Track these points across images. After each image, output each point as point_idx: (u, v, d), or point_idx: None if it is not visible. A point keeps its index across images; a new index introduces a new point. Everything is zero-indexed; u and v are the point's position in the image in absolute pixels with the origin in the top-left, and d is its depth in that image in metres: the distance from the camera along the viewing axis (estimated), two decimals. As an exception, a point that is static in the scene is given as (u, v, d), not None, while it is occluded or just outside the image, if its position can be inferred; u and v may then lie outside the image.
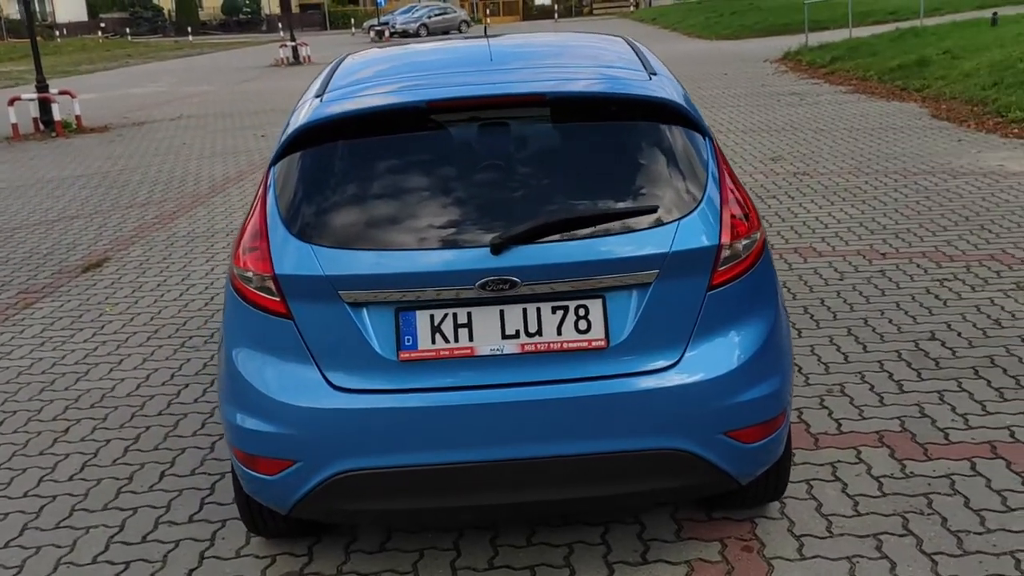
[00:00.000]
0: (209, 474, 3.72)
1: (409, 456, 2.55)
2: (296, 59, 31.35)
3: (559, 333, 2.53)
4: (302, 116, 2.80)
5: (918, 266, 5.66)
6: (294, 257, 2.57)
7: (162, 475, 3.74)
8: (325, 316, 2.57)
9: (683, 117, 2.73)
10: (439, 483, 2.59)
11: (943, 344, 4.49)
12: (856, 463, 3.48)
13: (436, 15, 48.28)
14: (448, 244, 2.52)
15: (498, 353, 2.53)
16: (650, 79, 2.88)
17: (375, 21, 48.16)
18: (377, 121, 2.70)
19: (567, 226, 2.51)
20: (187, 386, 4.62)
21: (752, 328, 2.66)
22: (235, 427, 2.72)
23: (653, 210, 2.56)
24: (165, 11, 68.01)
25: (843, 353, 4.44)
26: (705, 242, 2.55)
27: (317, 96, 2.94)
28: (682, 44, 28.71)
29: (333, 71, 3.25)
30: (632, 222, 2.54)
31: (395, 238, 2.55)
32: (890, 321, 4.82)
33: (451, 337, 2.53)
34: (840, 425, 3.76)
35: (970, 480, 3.31)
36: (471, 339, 2.53)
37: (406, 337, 2.54)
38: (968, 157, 8.80)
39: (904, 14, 25.44)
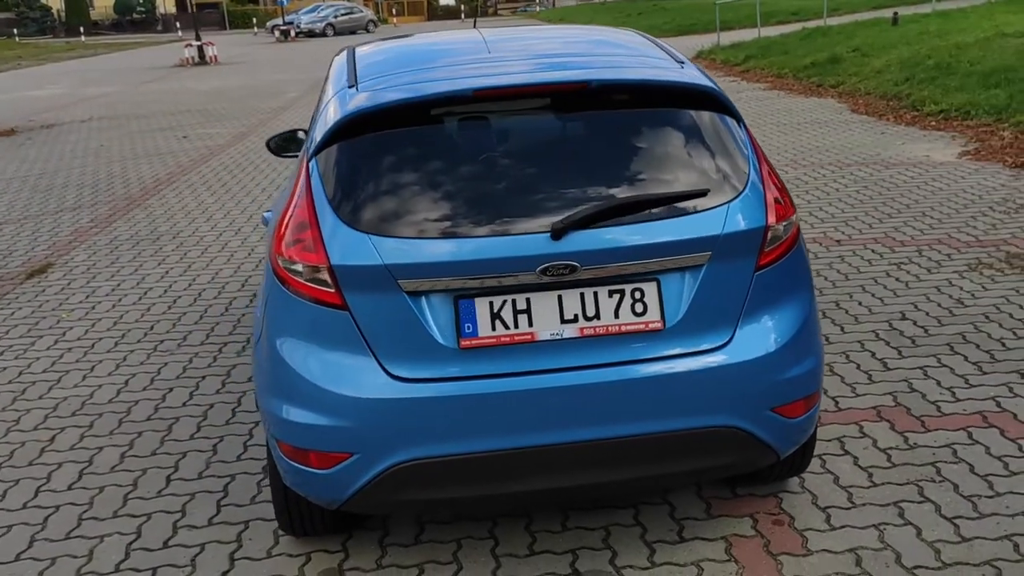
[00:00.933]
0: (218, 476, 3.63)
1: (471, 443, 2.56)
2: (202, 59, 30.57)
3: (616, 316, 2.57)
4: (346, 106, 2.76)
5: (873, 251, 5.91)
6: (350, 247, 2.54)
7: (168, 480, 3.64)
8: (383, 306, 2.55)
9: (721, 104, 2.80)
10: (500, 469, 2.60)
11: (915, 323, 4.70)
12: (861, 437, 3.63)
13: (342, 15, 47.77)
14: (507, 231, 2.53)
15: (558, 337, 2.55)
16: (682, 67, 2.95)
17: (279, 20, 47.30)
18: (424, 110, 2.69)
19: (624, 211, 2.55)
20: (171, 390, 4.48)
21: (793, 307, 2.75)
22: (283, 421, 2.68)
23: (703, 193, 2.63)
24: (54, 11, 65.27)
25: (824, 335, 4.61)
26: (753, 224, 2.63)
27: (350, 86, 2.91)
28: (593, 43, 29.06)
29: (352, 62, 3.21)
30: (684, 206, 2.61)
31: (453, 226, 2.55)
32: (860, 303, 5.03)
33: (511, 323, 2.55)
34: (838, 403, 3.91)
35: (970, 448, 3.49)
36: (531, 324, 2.55)
37: (466, 324, 2.54)
38: (894, 149, 9.21)
39: (805, 14, 26.40)
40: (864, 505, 3.19)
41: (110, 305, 5.83)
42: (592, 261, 2.52)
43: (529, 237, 2.51)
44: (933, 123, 10.40)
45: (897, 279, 5.37)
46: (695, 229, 2.58)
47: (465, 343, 2.54)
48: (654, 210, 2.58)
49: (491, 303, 2.55)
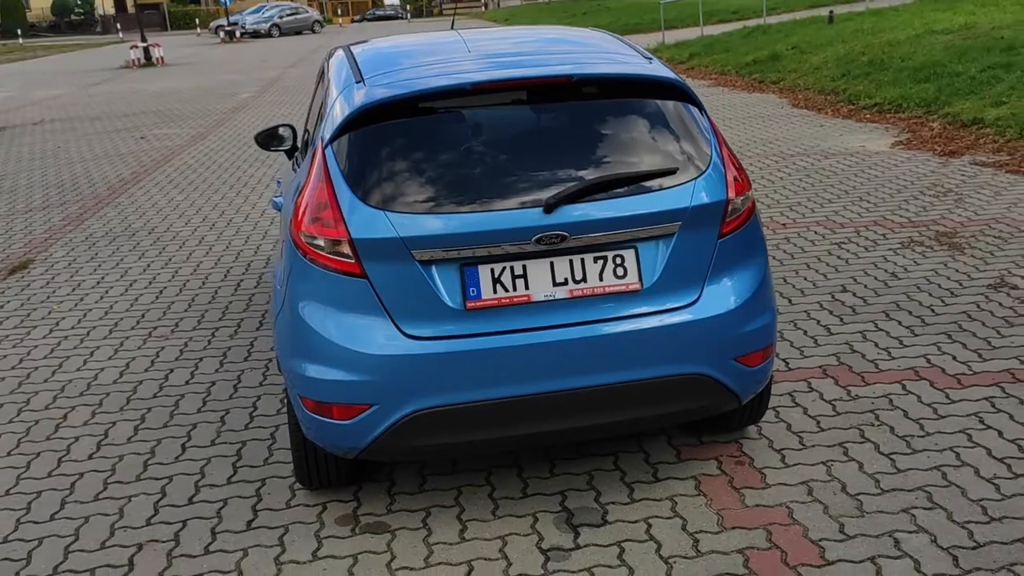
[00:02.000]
0: (230, 443, 3.95)
1: (476, 393, 2.93)
2: (149, 61, 30.39)
3: (601, 279, 2.97)
4: (356, 99, 3.11)
5: (816, 233, 6.41)
6: (369, 223, 2.90)
7: (184, 447, 3.94)
8: (398, 274, 2.91)
9: (685, 94, 3.21)
10: (501, 415, 2.98)
11: (854, 295, 5.19)
12: (809, 391, 4.08)
13: (288, 15, 47.64)
14: (506, 206, 2.91)
15: (551, 299, 2.94)
16: (650, 62, 3.35)
17: (223, 21, 47.01)
18: (428, 101, 3.06)
19: (606, 187, 2.95)
20: (172, 371, 4.78)
21: (751, 270, 3.18)
22: (307, 379, 3.02)
23: (673, 172, 3.04)
24: (-12, 12, 63.91)
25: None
26: (716, 198, 3.05)
27: (357, 82, 3.26)
28: (540, 42, 29.50)
29: (353, 60, 3.56)
30: (658, 182, 3.01)
31: (459, 202, 2.92)
32: (805, 279, 5.50)
33: (510, 287, 2.93)
34: (788, 363, 4.36)
35: (904, 398, 3.96)
36: (527, 288, 2.94)
37: (471, 288, 2.92)
38: (832, 140, 9.77)
39: (745, 13, 27.16)
40: (813, 447, 3.63)
41: (98, 296, 6.08)
42: (580, 231, 2.91)
43: (525, 211, 2.90)
44: (868, 116, 11.01)
45: (838, 257, 5.86)
46: (667, 203, 2.99)
47: (471, 304, 2.91)
48: (631, 186, 2.98)
49: (492, 269, 2.93)
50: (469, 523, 3.27)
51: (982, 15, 15.46)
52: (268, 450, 3.87)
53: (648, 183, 3.01)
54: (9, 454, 3.99)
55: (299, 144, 4.95)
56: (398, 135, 3.04)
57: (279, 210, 3.77)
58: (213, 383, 4.59)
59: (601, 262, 2.97)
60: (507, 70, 3.19)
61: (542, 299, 2.94)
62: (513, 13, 48.36)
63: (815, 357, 4.42)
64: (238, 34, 43.61)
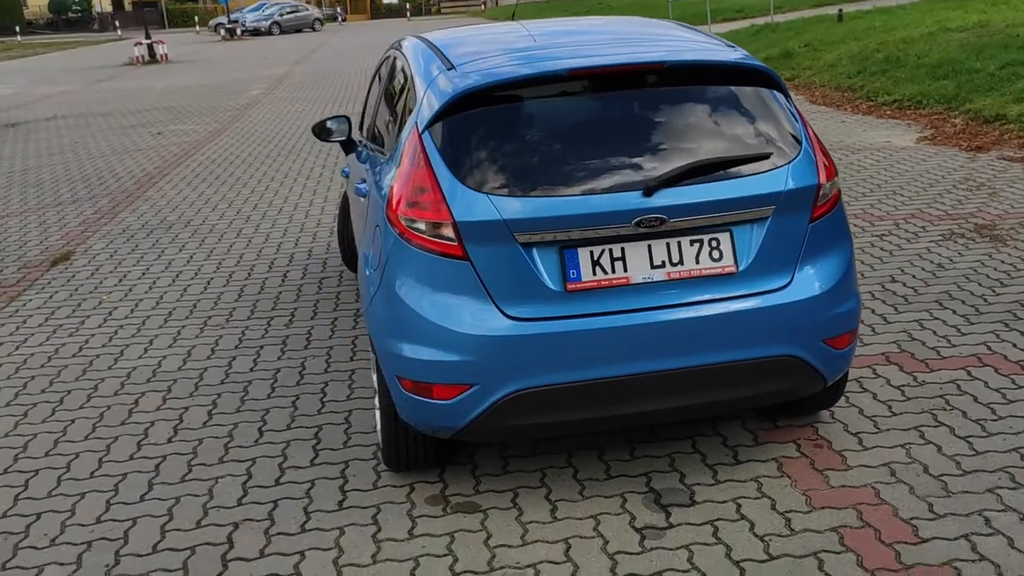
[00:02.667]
0: (306, 427, 4.00)
1: (574, 373, 2.98)
2: (153, 58, 30.38)
3: (697, 262, 3.02)
4: (452, 85, 3.16)
5: (855, 225, 6.47)
6: (472, 206, 2.95)
7: (261, 431, 3.99)
8: (500, 256, 2.96)
9: (773, 80, 3.27)
10: (597, 396, 3.03)
11: (904, 284, 5.25)
12: (875, 377, 4.13)
13: (288, 13, 47.63)
14: (607, 189, 2.96)
15: (649, 281, 3.00)
16: (735, 50, 3.41)
17: (223, 19, 46.98)
18: (525, 86, 3.11)
19: (704, 171, 3.01)
20: (235, 358, 4.82)
21: (838, 254, 3.24)
22: (407, 359, 3.07)
23: (768, 156, 3.10)
24: (-14, 10, 63.72)
25: (826, 296, 5.12)
26: (808, 182, 3.11)
27: (449, 69, 3.31)
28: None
29: (437, 49, 3.61)
30: (753, 167, 3.07)
31: (560, 185, 2.97)
32: (853, 269, 5.56)
33: (609, 269, 2.98)
34: (850, 350, 4.42)
35: (971, 383, 4.02)
36: (625, 270, 2.99)
37: (571, 271, 2.97)
38: (856, 135, 9.84)
39: (750, 11, 27.24)
40: (888, 430, 3.69)
41: (146, 287, 6.12)
42: (678, 214, 2.97)
43: (625, 194, 2.95)
44: (888, 112, 11.08)
45: (881, 248, 5.92)
46: (762, 187, 3.04)
47: (571, 287, 2.97)
48: (727, 170, 3.04)
49: (591, 252, 2.98)
50: (558, 503, 3.33)
51: (994, 13, 15.55)
52: (345, 434, 3.92)
53: (744, 167, 3.07)
54: (86, 438, 4.03)
55: (362, 135, 5.02)
56: (495, 120, 3.10)
57: (364, 196, 3.80)
58: (278, 370, 4.63)
59: (697, 245, 3.03)
60: (598, 57, 3.24)
61: (640, 281, 2.99)
62: (510, 12, 48.20)
63: (876, 344, 4.48)
64: (239, 32, 43.59)
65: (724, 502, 3.27)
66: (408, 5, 60.12)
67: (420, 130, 3.16)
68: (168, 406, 4.30)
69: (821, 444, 3.61)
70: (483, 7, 58.63)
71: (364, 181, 3.92)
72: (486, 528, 3.20)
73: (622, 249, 2.99)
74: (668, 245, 3.01)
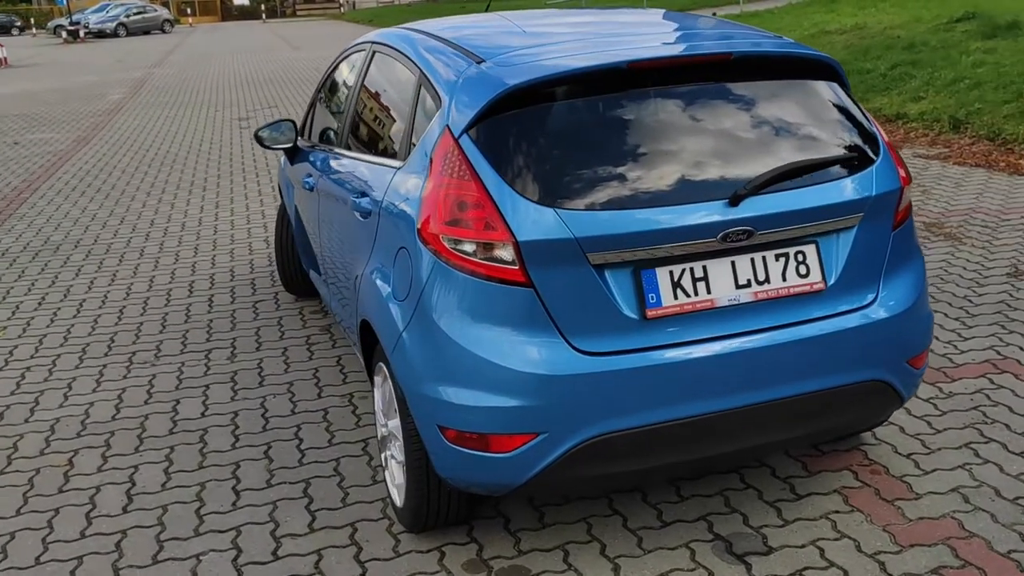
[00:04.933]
0: (291, 482, 3.42)
1: (658, 413, 2.57)
2: (-10, 61, 28.03)
3: (784, 279, 2.66)
4: (494, 79, 2.67)
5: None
6: (537, 222, 2.48)
7: (236, 491, 3.39)
8: (568, 280, 2.51)
9: (839, 75, 2.95)
10: (684, 437, 2.62)
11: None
12: (900, 391, 3.90)
13: (134, 14, 45.19)
14: (688, 199, 2.56)
15: (736, 303, 2.61)
16: (789, 41, 3.07)
17: (63, 20, 44.08)
18: (581, 82, 2.67)
19: (792, 175, 2.65)
20: (179, 401, 4.16)
21: (916, 264, 2.95)
22: (455, 406, 2.58)
23: (853, 159, 2.77)
24: None
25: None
26: (892, 186, 2.80)
27: (479, 62, 2.83)
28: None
29: (448, 41, 3.12)
30: (839, 170, 2.74)
31: (636, 196, 2.55)
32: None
33: (691, 291, 2.58)
34: (862, 362, 4.18)
35: (998, 392, 3.83)
36: (709, 292, 2.59)
37: (650, 295, 2.55)
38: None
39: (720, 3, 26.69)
40: (939, 450, 3.44)
41: (46, 320, 5.32)
42: (766, 225, 2.59)
43: (709, 204, 2.56)
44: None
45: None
46: (851, 192, 2.71)
47: (651, 313, 2.55)
48: (815, 174, 2.69)
49: (671, 272, 2.57)
50: (619, 560, 2.90)
51: (865, 16, 16.08)
52: (340, 488, 3.37)
53: (831, 170, 2.73)
54: (19, 513, 3.32)
55: (308, 140, 4.47)
56: (549, 121, 2.64)
57: (363, 212, 3.24)
58: (236, 414, 4.01)
59: (783, 260, 2.67)
60: (654, 49, 2.83)
61: (726, 304, 2.61)
62: (377, 14, 47.37)
63: (885, 354, 4.25)
64: (81, 34, 40.94)
65: (803, 546, 2.92)
66: (263, 7, 58.14)
67: (456, 134, 2.66)
68: (112, 466, 3.62)
69: (878, 470, 3.33)
70: (341, 9, 57.39)
71: (345, 197, 3.36)
72: (547, 598, 2.75)
73: (704, 268, 2.60)
74: (753, 261, 2.64)
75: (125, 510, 3.31)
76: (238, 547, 3.06)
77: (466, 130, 2.65)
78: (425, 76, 3.04)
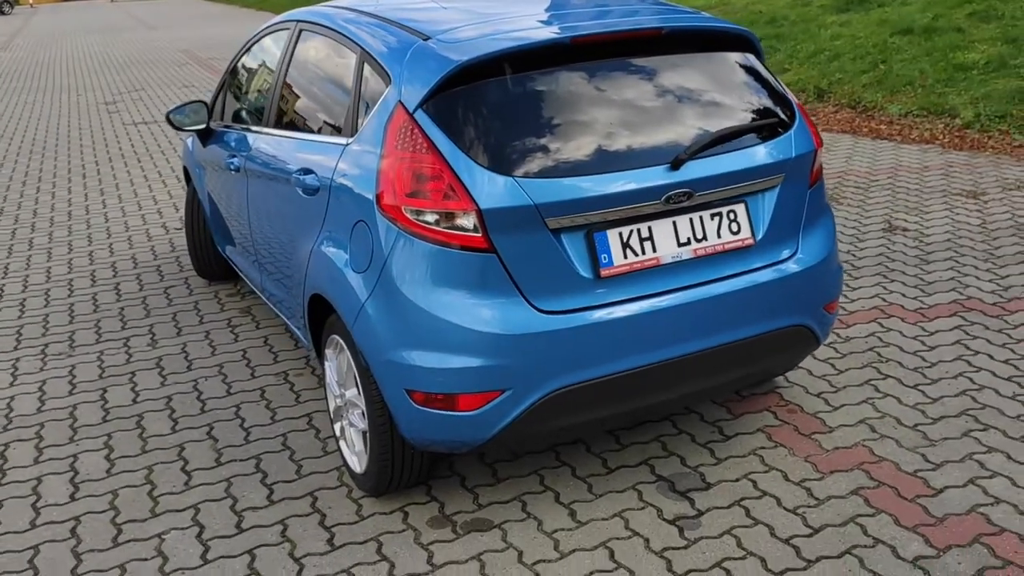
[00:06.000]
0: (240, 460, 3.47)
1: (613, 365, 2.76)
2: None
3: (719, 236, 2.89)
4: (444, 57, 2.78)
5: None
6: (499, 191, 2.62)
7: (186, 471, 3.41)
8: (528, 245, 2.66)
9: (756, 47, 3.20)
10: (636, 385, 2.83)
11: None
12: (804, 338, 4.24)
13: (-30, -5, 42.24)
14: (633, 164, 2.75)
15: (678, 260, 2.83)
16: (707, 16, 3.29)
17: None
18: (527, 57, 2.81)
19: (724, 140, 2.88)
20: (106, 390, 4.10)
21: (827, 220, 3.24)
22: (423, 370, 2.70)
23: (774, 123, 3.02)
24: None
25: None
26: (808, 148, 3.07)
27: (425, 39, 2.93)
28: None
29: (386, 19, 3.20)
30: (763, 134, 2.98)
31: (587, 164, 2.72)
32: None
33: (639, 251, 2.78)
34: (766, 314, 4.51)
35: (889, 334, 4.23)
36: (655, 250, 2.80)
37: (602, 255, 2.74)
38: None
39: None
40: (844, 387, 3.78)
41: None
42: (703, 187, 2.82)
43: (653, 169, 2.76)
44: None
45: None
46: (775, 154, 2.97)
47: (605, 272, 2.73)
48: (743, 139, 2.93)
49: (620, 233, 2.76)
50: (573, 506, 3.10)
51: (725, -8, 16.74)
52: (292, 461, 3.44)
53: (756, 135, 2.97)
54: (-42, 510, 3.25)
55: (222, 122, 4.47)
56: (500, 95, 2.78)
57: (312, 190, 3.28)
58: (169, 398, 3.99)
59: (717, 219, 2.90)
60: (590, 25, 3.00)
61: (670, 261, 2.82)
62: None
63: (785, 306, 4.60)
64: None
65: (737, 480, 3.19)
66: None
67: (411, 109, 2.76)
68: (49, 456, 3.57)
69: (794, 410, 3.64)
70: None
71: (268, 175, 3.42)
72: (512, 545, 2.91)
73: (649, 228, 2.80)
74: (691, 221, 2.86)
75: (73, 498, 3.28)
76: (199, 523, 3.10)
77: (420, 105, 2.76)
78: (368, 54, 3.11)
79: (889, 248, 5.33)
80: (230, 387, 4.07)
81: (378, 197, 2.78)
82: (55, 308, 5.13)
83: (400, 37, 3.04)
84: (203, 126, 4.53)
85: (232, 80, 4.57)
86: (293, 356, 4.34)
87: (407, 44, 2.97)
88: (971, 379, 3.79)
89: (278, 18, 4.17)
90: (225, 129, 4.41)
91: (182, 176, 8.10)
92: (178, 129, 4.53)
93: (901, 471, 3.19)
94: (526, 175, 2.65)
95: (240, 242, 4.35)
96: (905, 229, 5.66)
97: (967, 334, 4.19)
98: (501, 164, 2.66)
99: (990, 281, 4.78)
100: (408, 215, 2.70)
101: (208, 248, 5.13)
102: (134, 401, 3.99)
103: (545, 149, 2.72)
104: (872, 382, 3.82)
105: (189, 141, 5.16)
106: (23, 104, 13.51)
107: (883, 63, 10.05)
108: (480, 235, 2.64)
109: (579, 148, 2.75)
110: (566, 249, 2.70)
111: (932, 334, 4.21)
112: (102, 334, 4.73)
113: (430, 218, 2.67)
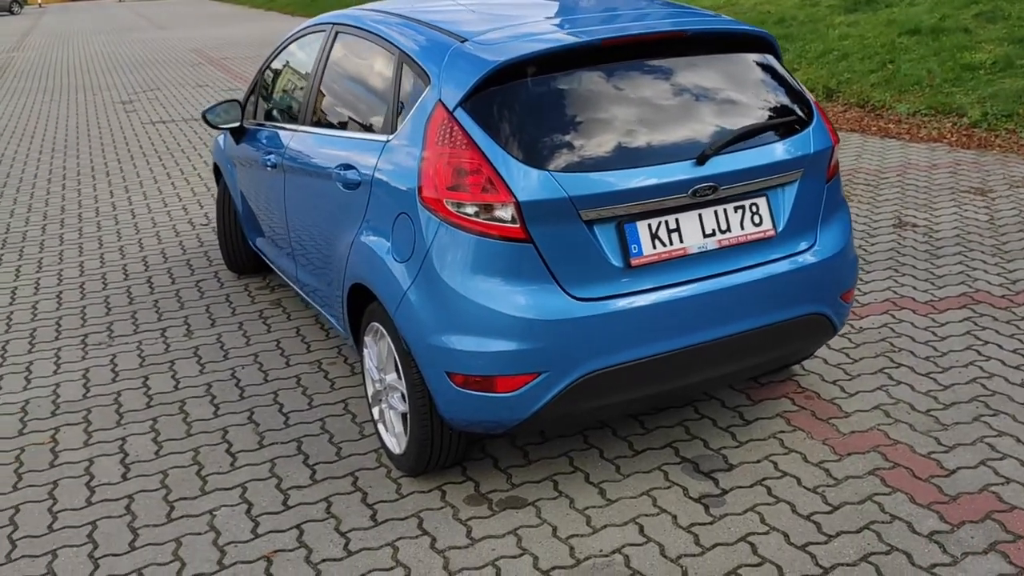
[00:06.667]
0: (282, 442, 3.63)
1: (642, 349, 2.92)
2: None
3: (742, 228, 3.05)
4: (482, 57, 2.93)
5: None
6: (535, 184, 2.78)
7: (231, 453, 3.57)
8: (563, 236, 2.83)
9: (775, 48, 3.35)
10: (663, 370, 2.99)
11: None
12: (819, 329, 4.39)
13: (-22, -4, 42.50)
14: (661, 160, 2.91)
15: (704, 250, 2.99)
16: (735, 20, 3.45)
17: None
18: (561, 58, 2.97)
19: (747, 136, 3.04)
20: (148, 378, 4.27)
21: (843, 213, 3.40)
22: (463, 353, 2.86)
23: (793, 121, 3.18)
24: None
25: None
26: (825, 144, 3.23)
27: (462, 41, 3.09)
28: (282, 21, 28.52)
29: (423, 22, 3.36)
30: (783, 131, 3.14)
31: (619, 158, 2.88)
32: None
33: (667, 241, 2.94)
34: (781, 306, 4.66)
35: (900, 325, 4.38)
36: (681, 241, 2.96)
37: (632, 246, 2.90)
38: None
39: None
40: (859, 375, 3.94)
41: (-18, 308, 5.26)
42: (727, 181, 2.98)
43: (681, 164, 2.92)
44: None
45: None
46: (794, 150, 3.12)
47: (635, 262, 2.89)
48: (765, 135, 3.09)
49: (649, 225, 2.92)
50: (602, 485, 3.25)
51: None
52: (332, 444, 3.60)
53: (777, 131, 3.13)
54: (16, 488, 3.41)
55: (256, 120, 4.64)
56: (536, 94, 2.94)
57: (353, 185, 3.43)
58: (209, 385, 4.16)
59: (740, 211, 3.06)
60: (619, 27, 3.16)
61: (696, 251, 2.98)
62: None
63: (800, 299, 4.76)
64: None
65: (759, 461, 3.35)
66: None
67: (451, 108, 2.92)
68: (98, 439, 3.73)
69: (811, 396, 3.79)
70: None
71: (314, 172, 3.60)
72: (547, 521, 3.07)
73: (676, 220, 2.96)
74: (716, 213, 3.02)
75: (125, 478, 3.45)
76: (248, 501, 3.26)
77: (460, 104, 2.92)
78: (406, 55, 3.27)
79: (899, 243, 5.48)
80: (267, 375, 4.23)
81: (419, 190, 2.94)
82: (91, 300, 5.30)
83: (437, 39, 3.20)
84: (237, 124, 4.70)
85: (266, 80, 4.74)
86: (325, 346, 4.50)
87: (445, 46, 3.13)
88: (981, 368, 3.94)
89: (312, 21, 4.33)
90: (260, 127, 4.57)
91: (204, 174, 8.27)
92: (213, 127, 4.69)
93: (915, 453, 3.34)
94: (561, 169, 2.81)
95: (274, 235, 4.51)
96: (915, 225, 5.81)
97: (976, 325, 4.34)
98: (537, 159, 2.82)
99: (998, 275, 4.93)
100: (449, 207, 2.86)
101: (239, 242, 5.29)
102: (175, 388, 4.16)
103: (578, 145, 2.88)
104: (886, 370, 3.97)
105: (220, 139, 5.32)
106: (40, 103, 13.70)
107: (891, 63, 10.20)
108: (518, 226, 2.80)
109: (610, 144, 2.91)
110: (599, 239, 2.86)
111: (943, 325, 4.36)
112: (139, 325, 4.90)
113: (470, 210, 2.83)
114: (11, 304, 5.31)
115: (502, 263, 2.84)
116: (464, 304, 2.86)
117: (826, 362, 4.07)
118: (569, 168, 2.83)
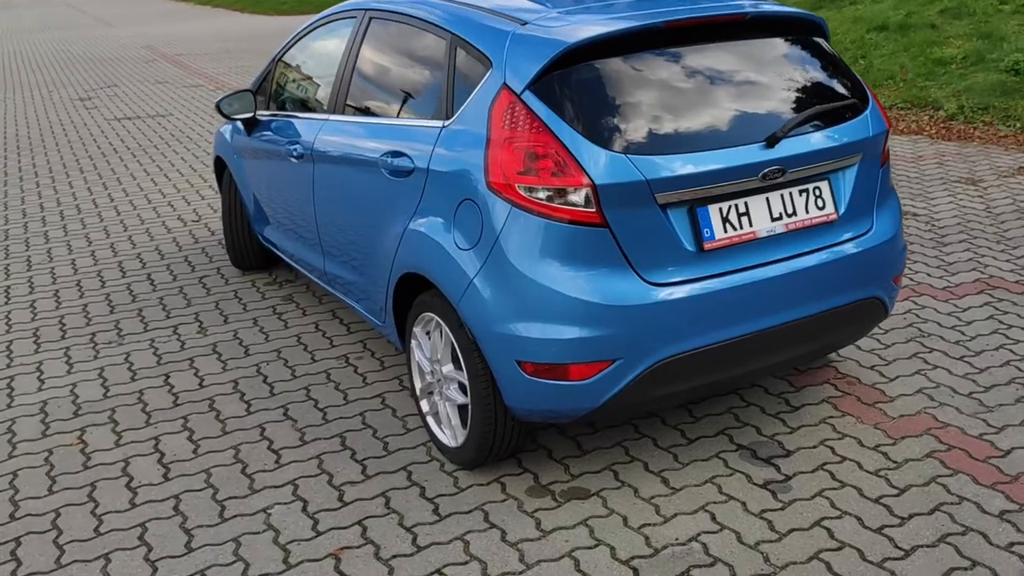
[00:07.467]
0: (324, 438, 3.53)
1: (715, 335, 2.89)
2: None
3: (807, 211, 3.04)
4: (547, 41, 2.88)
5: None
6: (612, 167, 2.73)
7: (274, 451, 3.46)
8: (638, 220, 2.78)
9: (825, 32, 3.35)
10: (736, 354, 2.96)
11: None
12: (845, 316, 4.42)
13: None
14: (732, 142, 2.88)
15: (772, 234, 2.97)
16: (784, 4, 3.44)
17: None
18: (625, 41, 2.93)
19: (811, 120, 3.02)
20: (168, 376, 4.13)
21: (894, 197, 3.41)
22: (536, 341, 2.80)
23: (853, 104, 3.18)
24: None
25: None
26: (881, 128, 3.24)
27: (523, 24, 3.03)
28: (248, 19, 28.05)
29: (476, 7, 3.29)
30: (845, 114, 3.14)
31: (692, 141, 2.85)
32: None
33: (737, 225, 2.91)
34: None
35: (924, 311, 4.43)
36: (751, 225, 2.94)
37: (705, 230, 2.87)
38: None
39: None
40: (895, 360, 3.96)
41: (-24, 308, 5.05)
42: (794, 164, 2.96)
43: (751, 147, 2.89)
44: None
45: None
46: (855, 133, 3.13)
47: (708, 246, 2.86)
48: (827, 118, 3.08)
49: (720, 208, 2.90)
50: (664, 474, 3.22)
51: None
52: (377, 439, 3.51)
53: (840, 115, 3.12)
54: (52, 492, 3.26)
55: (271, 110, 4.53)
56: (598, 76, 2.89)
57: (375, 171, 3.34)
58: (235, 382, 4.03)
59: (805, 195, 3.05)
60: (680, 10, 3.12)
61: (765, 235, 2.96)
62: None
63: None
64: None
65: (815, 447, 3.34)
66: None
67: (518, 91, 2.86)
68: (130, 439, 3.59)
69: (852, 382, 3.81)
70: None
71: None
72: (615, 511, 3.02)
73: (745, 204, 2.94)
74: (782, 197, 3.00)
75: (167, 478, 3.32)
76: (301, 498, 3.16)
77: (528, 86, 2.86)
78: (461, 39, 3.20)
79: (905, 232, 5.55)
80: (294, 371, 4.12)
81: (486, 175, 2.87)
82: (91, 299, 5.11)
83: (494, 23, 3.13)
84: (251, 114, 4.57)
85: (284, 69, 4.61)
86: (348, 341, 4.40)
87: (505, 29, 3.06)
88: (1012, 351, 3.99)
89: (337, 8, 4.22)
90: (277, 117, 4.45)
91: (185, 171, 8.06)
92: (227, 117, 4.56)
93: (967, 435, 3.36)
94: (635, 152, 2.77)
95: (296, 228, 4.39)
96: (915, 214, 5.89)
97: (998, 310, 4.40)
98: (610, 141, 2.78)
99: (1007, 261, 5.01)
100: (520, 192, 2.79)
101: (246, 238, 5.15)
102: (200, 385, 4.02)
103: (649, 128, 2.84)
104: (919, 355, 4.00)
105: (225, 131, 5.18)
106: (25, 101, 13.26)
107: (863, 58, 10.36)
108: (594, 210, 2.75)
109: (679, 126, 2.88)
110: (672, 223, 2.83)
111: (965, 310, 4.42)
112: (148, 323, 4.74)
113: (542, 195, 2.77)
114: (5, 304, 5.10)
115: (575, 248, 2.78)
116: (537, 290, 2.80)
117: (859, 348, 4.09)
118: (643, 151, 2.78)
